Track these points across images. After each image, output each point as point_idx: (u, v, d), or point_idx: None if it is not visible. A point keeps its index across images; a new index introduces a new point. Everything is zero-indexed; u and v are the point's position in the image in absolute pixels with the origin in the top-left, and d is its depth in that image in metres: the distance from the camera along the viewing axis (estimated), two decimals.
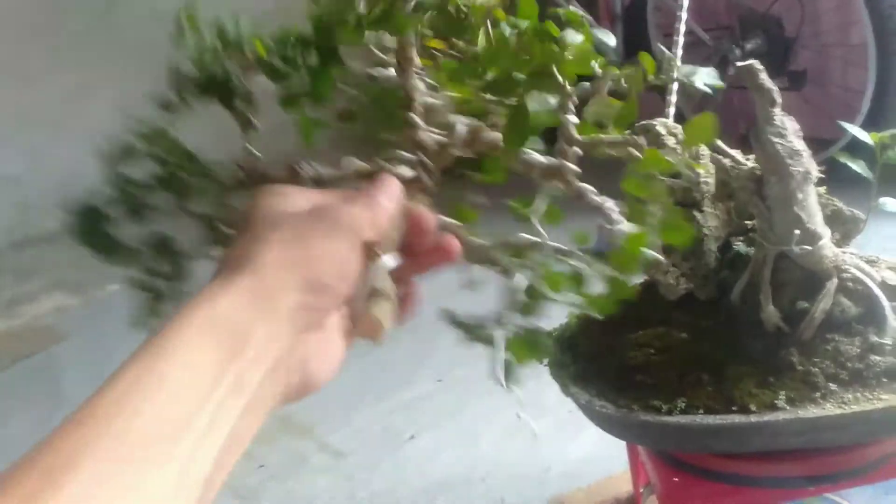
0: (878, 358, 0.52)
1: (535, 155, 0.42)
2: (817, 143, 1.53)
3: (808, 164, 0.52)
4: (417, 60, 0.43)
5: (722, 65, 1.88)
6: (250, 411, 0.32)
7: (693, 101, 2.16)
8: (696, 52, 1.98)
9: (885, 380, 0.51)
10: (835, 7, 1.93)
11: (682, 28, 1.32)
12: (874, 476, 0.59)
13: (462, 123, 0.43)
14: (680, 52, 1.29)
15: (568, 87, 0.40)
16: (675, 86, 1.13)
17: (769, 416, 0.52)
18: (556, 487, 0.95)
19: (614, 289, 0.41)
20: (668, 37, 1.47)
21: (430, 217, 0.42)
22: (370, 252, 0.38)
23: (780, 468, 0.57)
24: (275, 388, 0.34)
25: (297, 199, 0.39)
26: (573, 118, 0.41)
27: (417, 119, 0.42)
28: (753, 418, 0.52)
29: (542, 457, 1.01)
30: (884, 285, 0.55)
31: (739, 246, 0.61)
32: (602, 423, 0.61)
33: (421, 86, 0.43)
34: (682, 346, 0.60)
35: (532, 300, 0.42)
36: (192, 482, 0.29)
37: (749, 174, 0.55)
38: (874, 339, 0.53)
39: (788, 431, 0.52)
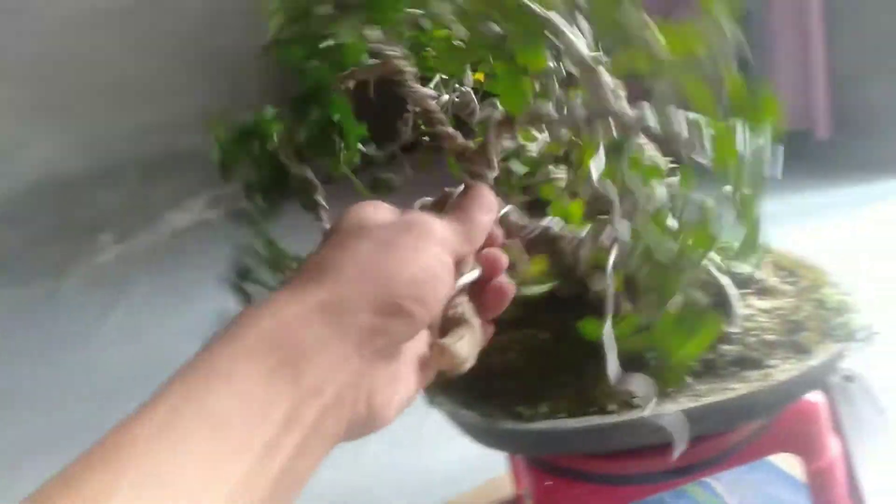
0: (727, 347, 0.52)
1: None
2: None
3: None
4: None
5: None
6: (307, 448, 0.28)
7: None
8: None
9: (735, 369, 0.52)
10: None
11: None
12: (734, 461, 0.59)
13: None
14: None
15: None
16: None
17: (626, 415, 0.51)
18: (441, 493, 0.93)
19: None
20: None
21: (503, 258, 0.39)
22: (456, 271, 0.34)
23: (644, 464, 0.57)
24: (337, 423, 0.30)
25: (388, 212, 0.35)
26: None
27: None
28: (612, 419, 0.51)
29: (425, 465, 0.98)
30: (731, 274, 0.55)
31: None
32: (469, 433, 0.59)
33: None
34: (545, 348, 0.59)
35: None
36: None
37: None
38: (723, 328, 0.53)
39: (646, 428, 0.51)
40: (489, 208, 0.38)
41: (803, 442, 0.62)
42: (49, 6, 1.92)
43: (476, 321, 0.36)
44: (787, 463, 0.84)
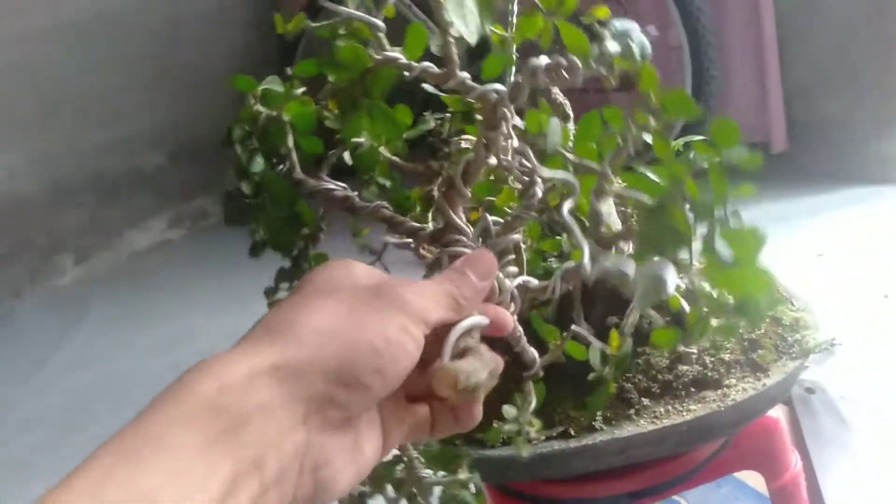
0: (685, 367, 0.52)
1: None
2: (646, 145, 1.59)
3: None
4: None
5: None
6: None
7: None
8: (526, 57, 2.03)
9: (693, 389, 0.51)
10: (652, 10, 2.04)
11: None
12: (698, 480, 0.59)
13: None
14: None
15: None
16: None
17: (587, 440, 0.51)
18: None
19: None
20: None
21: (510, 319, 0.37)
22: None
23: (606, 487, 0.56)
24: (279, 499, 0.27)
25: (363, 272, 0.33)
26: None
27: None
28: (573, 443, 0.51)
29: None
30: (688, 292, 0.55)
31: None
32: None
33: None
34: (505, 371, 0.58)
35: None
36: None
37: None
38: (681, 348, 0.53)
39: (608, 452, 0.51)
40: (488, 273, 0.35)
41: (765, 459, 0.62)
42: (3, 22, 1.88)
43: (485, 349, 0.34)
44: (752, 478, 0.84)
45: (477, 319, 0.34)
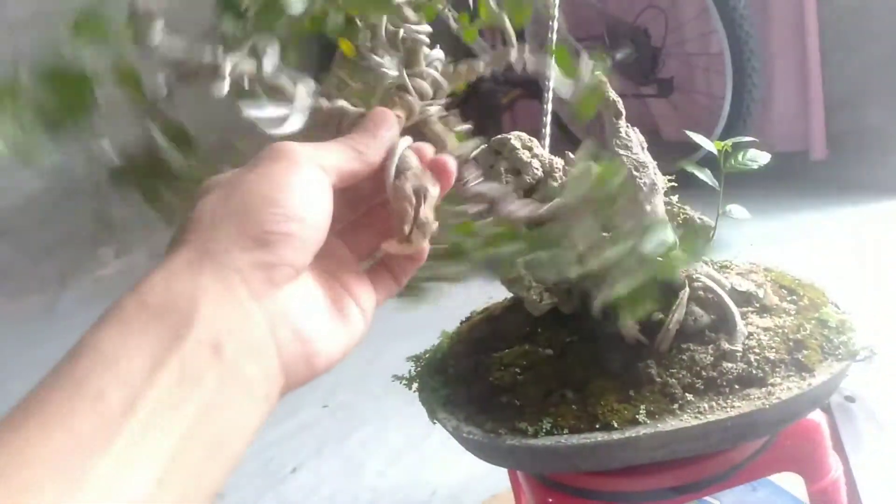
0: (730, 365, 0.52)
1: None
2: (686, 148, 1.59)
3: (654, 176, 0.52)
4: None
5: None
6: (221, 405, 0.26)
7: (570, 107, 2.21)
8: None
9: (737, 386, 0.52)
10: (694, 17, 2.03)
11: (555, 38, 1.35)
12: (738, 479, 0.59)
13: None
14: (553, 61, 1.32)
15: None
16: (551, 93, 1.14)
17: (631, 432, 0.51)
18: None
19: None
20: (542, 46, 1.50)
21: (452, 161, 0.37)
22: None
23: (647, 482, 0.57)
24: (260, 369, 0.27)
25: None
26: None
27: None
28: (616, 435, 0.51)
29: (426, 480, 0.98)
30: (733, 291, 0.56)
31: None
32: (472, 449, 0.59)
33: None
34: (547, 364, 0.59)
35: None
36: (130, 496, 0.23)
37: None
38: (726, 346, 0.53)
39: (650, 445, 0.52)
40: (387, 125, 0.35)
41: (805, 461, 0.62)
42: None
43: (428, 178, 0.35)
44: (790, 482, 0.84)
45: (406, 139, 0.36)
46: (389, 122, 0.36)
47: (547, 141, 0.78)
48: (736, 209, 0.58)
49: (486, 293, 0.71)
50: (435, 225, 0.34)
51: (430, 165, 0.37)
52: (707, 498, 0.82)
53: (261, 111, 0.36)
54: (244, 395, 0.27)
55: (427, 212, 0.34)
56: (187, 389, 0.25)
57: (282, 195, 0.30)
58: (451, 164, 0.37)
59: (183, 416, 0.25)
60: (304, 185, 0.31)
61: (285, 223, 0.29)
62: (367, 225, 0.38)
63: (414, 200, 0.34)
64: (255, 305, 0.28)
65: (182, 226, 0.30)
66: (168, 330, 0.26)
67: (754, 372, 0.52)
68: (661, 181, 0.53)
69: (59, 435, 0.23)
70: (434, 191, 0.35)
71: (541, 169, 0.58)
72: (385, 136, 0.35)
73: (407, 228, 0.34)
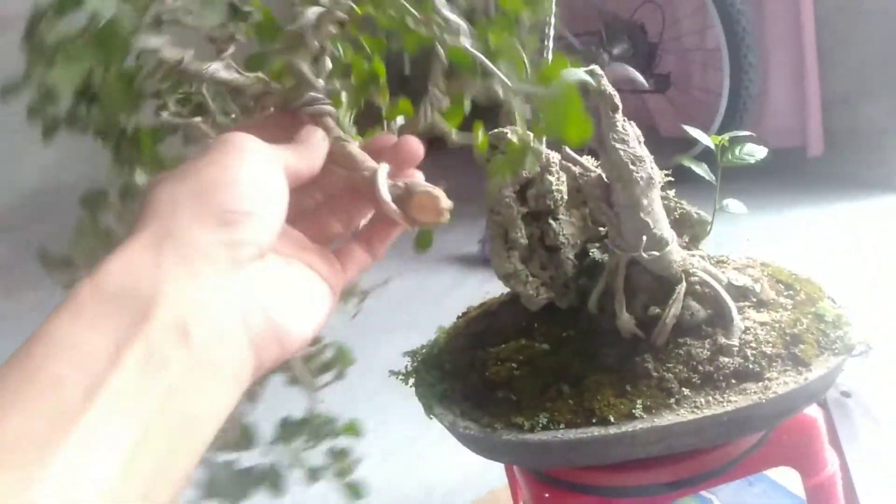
0: (726, 359, 0.52)
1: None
2: (683, 144, 1.59)
3: (651, 170, 0.52)
4: None
5: None
6: (189, 387, 0.25)
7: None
8: (567, 57, 2.03)
9: (734, 381, 0.52)
10: (691, 13, 2.03)
11: (552, 33, 1.35)
12: (734, 474, 0.59)
13: None
14: (551, 56, 1.31)
15: None
16: None
17: (627, 427, 0.51)
18: None
19: None
20: (541, 42, 1.49)
21: (418, 146, 0.38)
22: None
23: (643, 476, 0.57)
24: (229, 350, 0.27)
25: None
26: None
27: None
28: (612, 430, 0.51)
29: (424, 476, 0.98)
30: (730, 286, 0.55)
31: (595, 252, 0.61)
32: (468, 444, 0.59)
33: None
34: (544, 359, 0.59)
35: None
36: (94, 482, 0.22)
37: (597, 181, 0.54)
38: (722, 340, 0.53)
39: (647, 440, 0.52)
40: (320, 134, 0.36)
41: (802, 456, 0.62)
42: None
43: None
44: (786, 477, 0.84)
45: (385, 167, 0.37)
46: (320, 133, 0.37)
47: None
48: (733, 204, 0.58)
49: (483, 289, 0.71)
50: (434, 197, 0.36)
51: (396, 149, 0.38)
52: (704, 493, 0.82)
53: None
54: (212, 377, 0.26)
55: (422, 198, 0.35)
56: (152, 374, 0.25)
57: (240, 175, 0.30)
58: (413, 142, 0.39)
59: (148, 401, 0.24)
60: (259, 166, 0.31)
61: (247, 201, 0.29)
62: (329, 212, 0.39)
63: (399, 211, 0.36)
64: (221, 285, 0.28)
65: (137, 214, 0.29)
66: (130, 314, 0.25)
67: (751, 366, 0.52)
68: (658, 175, 0.53)
69: (15, 422, 0.22)
70: (419, 188, 0.36)
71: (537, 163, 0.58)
72: (321, 143, 0.36)
73: (408, 225, 0.37)
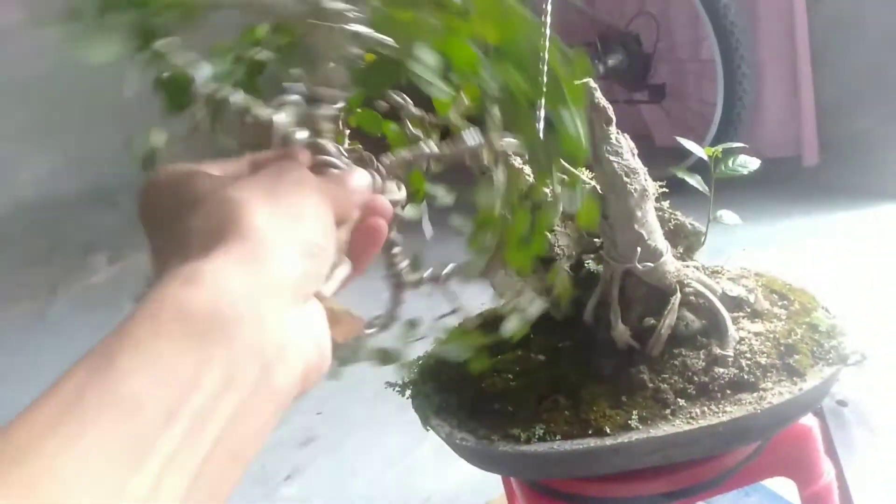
0: (721, 370, 0.52)
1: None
2: (678, 153, 1.60)
3: (645, 182, 0.52)
4: None
5: None
6: (249, 411, 0.25)
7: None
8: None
9: (729, 391, 0.52)
10: (685, 24, 2.04)
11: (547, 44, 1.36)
12: (730, 484, 0.59)
13: None
14: (546, 67, 1.32)
15: None
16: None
17: (623, 438, 0.51)
18: None
19: None
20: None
21: (388, 206, 0.37)
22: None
23: (640, 487, 0.57)
24: (286, 376, 0.27)
25: (221, 167, 0.34)
26: None
27: None
28: (608, 441, 0.51)
29: (420, 487, 0.98)
30: (724, 297, 0.56)
31: (590, 264, 0.61)
32: (465, 456, 0.59)
33: None
34: (540, 370, 0.59)
35: None
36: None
37: (591, 193, 0.54)
38: (717, 351, 0.53)
39: (643, 451, 0.52)
40: (365, 180, 0.36)
41: (798, 466, 0.62)
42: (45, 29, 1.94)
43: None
44: (783, 487, 0.84)
45: (345, 269, 0.36)
46: (366, 180, 0.37)
47: None
48: (727, 215, 0.59)
49: (480, 300, 0.71)
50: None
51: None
52: (700, 503, 0.82)
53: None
54: (270, 401, 0.27)
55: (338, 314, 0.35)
56: (226, 397, 0.25)
57: (320, 209, 0.31)
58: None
59: (217, 424, 0.25)
60: (329, 208, 0.32)
61: (325, 236, 0.31)
62: None
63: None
64: (298, 316, 0.29)
65: (209, 217, 0.29)
66: (214, 335, 0.25)
67: (746, 377, 0.52)
68: (652, 187, 0.54)
69: (94, 448, 0.22)
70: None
71: (532, 176, 0.58)
72: (363, 189, 0.36)
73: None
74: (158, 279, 0.27)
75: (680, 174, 0.58)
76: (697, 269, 0.58)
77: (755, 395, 0.51)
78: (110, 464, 0.22)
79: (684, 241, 0.59)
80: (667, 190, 0.60)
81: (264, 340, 0.26)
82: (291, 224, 0.29)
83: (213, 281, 0.26)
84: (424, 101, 0.43)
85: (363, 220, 0.36)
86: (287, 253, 0.29)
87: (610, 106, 0.52)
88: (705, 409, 0.51)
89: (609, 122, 0.52)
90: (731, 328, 0.54)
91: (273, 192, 0.30)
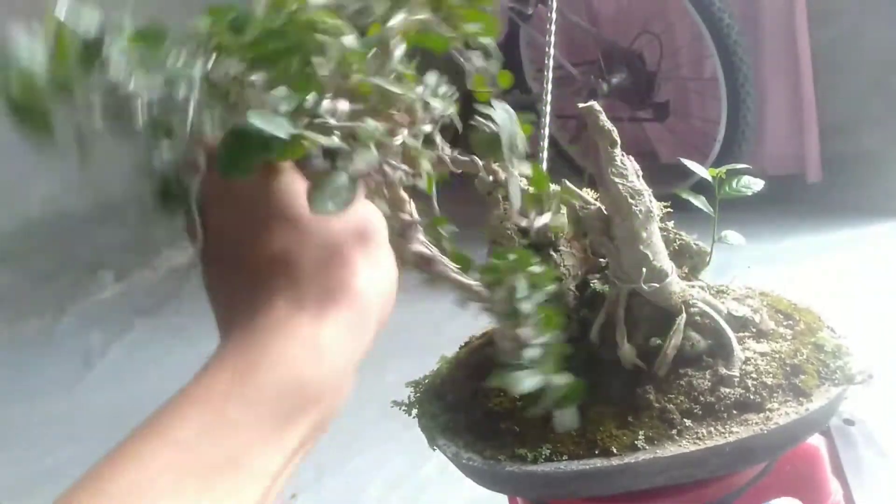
0: (727, 390, 0.53)
1: None
2: (682, 171, 1.61)
3: (650, 203, 0.53)
4: None
5: (590, 98, 1.96)
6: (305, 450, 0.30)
7: (568, 132, 2.24)
8: (567, 86, 2.06)
9: (735, 412, 0.52)
10: (689, 42, 2.06)
11: (551, 63, 1.37)
12: None
13: None
14: (549, 86, 1.33)
15: None
16: (548, 117, 1.15)
17: (630, 458, 0.51)
18: None
19: None
20: (541, 71, 1.51)
21: None
22: None
23: None
24: (324, 420, 0.31)
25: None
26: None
27: None
28: (615, 461, 0.52)
29: None
30: (730, 317, 0.56)
31: (596, 284, 0.61)
32: (471, 475, 0.59)
33: None
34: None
35: None
36: None
37: (596, 214, 0.55)
38: (723, 371, 0.53)
39: (649, 471, 0.52)
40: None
41: (805, 486, 0.62)
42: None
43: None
44: None
45: None
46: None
47: (544, 166, 0.79)
48: (732, 235, 0.59)
49: (486, 318, 0.72)
50: None
51: None
52: None
53: None
54: (313, 443, 0.31)
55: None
56: (297, 457, 0.29)
57: (394, 279, 0.35)
58: None
59: (287, 472, 0.29)
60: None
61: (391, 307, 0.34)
62: None
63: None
64: (336, 362, 0.31)
65: (329, 273, 0.31)
66: (290, 405, 0.28)
67: (752, 397, 0.52)
68: (657, 208, 0.54)
69: None
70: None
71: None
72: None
73: None
74: (268, 315, 0.29)
75: (684, 195, 0.59)
76: (703, 288, 0.58)
77: (761, 415, 0.52)
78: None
79: (689, 261, 0.59)
80: (671, 209, 0.61)
81: (332, 408, 0.30)
82: (383, 294, 0.33)
83: (329, 356, 0.30)
84: None
85: None
86: (376, 324, 0.32)
87: (615, 128, 0.53)
88: (712, 429, 0.51)
89: (614, 144, 0.53)
90: (737, 348, 0.54)
91: (366, 250, 0.32)
